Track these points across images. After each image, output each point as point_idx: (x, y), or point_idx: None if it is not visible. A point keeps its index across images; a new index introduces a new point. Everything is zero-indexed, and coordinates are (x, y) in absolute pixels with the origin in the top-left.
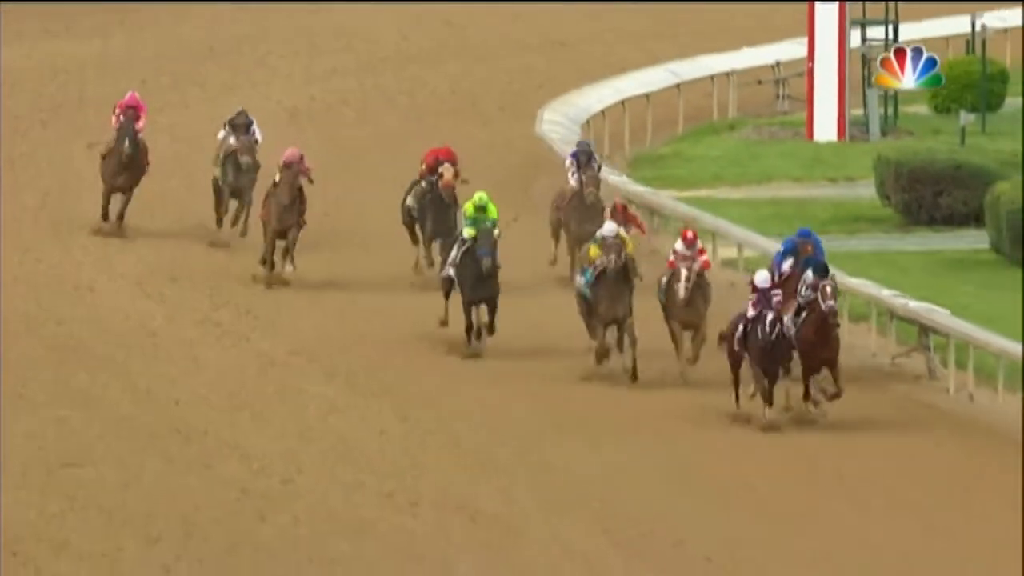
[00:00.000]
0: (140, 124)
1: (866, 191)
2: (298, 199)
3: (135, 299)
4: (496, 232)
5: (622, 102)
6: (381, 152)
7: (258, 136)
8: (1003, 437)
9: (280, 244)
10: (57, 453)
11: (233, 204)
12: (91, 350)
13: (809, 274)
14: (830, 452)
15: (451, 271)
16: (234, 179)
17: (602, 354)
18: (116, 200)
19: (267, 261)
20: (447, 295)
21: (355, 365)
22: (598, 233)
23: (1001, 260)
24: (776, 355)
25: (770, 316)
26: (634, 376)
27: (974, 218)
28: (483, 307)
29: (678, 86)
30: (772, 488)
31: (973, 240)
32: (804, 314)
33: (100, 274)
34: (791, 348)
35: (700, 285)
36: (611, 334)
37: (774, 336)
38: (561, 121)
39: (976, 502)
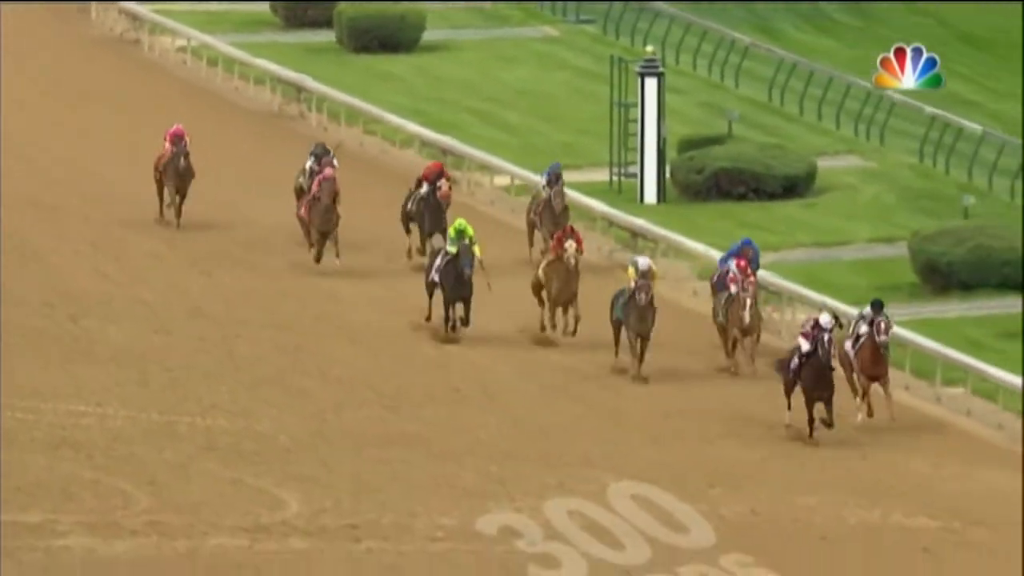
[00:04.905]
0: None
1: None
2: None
3: None
4: (475, 247)
5: None
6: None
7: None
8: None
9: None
10: None
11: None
12: None
13: (868, 309)
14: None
15: (436, 276)
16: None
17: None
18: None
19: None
20: (431, 295)
21: None
22: (634, 264)
23: (342, 49)
24: (823, 382)
25: (821, 350)
26: (639, 370)
27: (326, 23)
28: (459, 305)
29: None
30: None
31: (326, 36)
32: (860, 342)
33: None
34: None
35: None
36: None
37: (824, 366)
38: None
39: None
